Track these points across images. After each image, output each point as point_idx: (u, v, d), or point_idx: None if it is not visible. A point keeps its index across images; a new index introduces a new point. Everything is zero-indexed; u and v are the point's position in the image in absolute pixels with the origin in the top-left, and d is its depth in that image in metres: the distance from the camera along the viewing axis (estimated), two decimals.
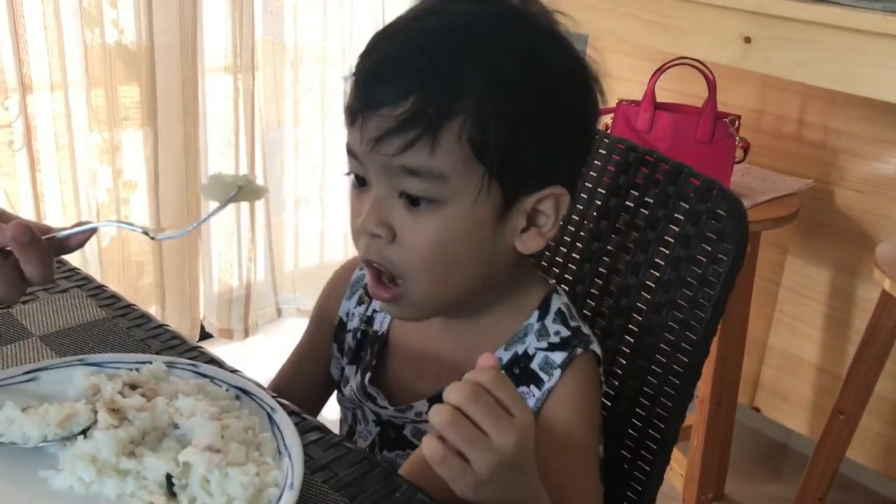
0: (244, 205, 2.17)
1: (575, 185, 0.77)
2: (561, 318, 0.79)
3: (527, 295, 0.80)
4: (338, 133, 2.30)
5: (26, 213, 1.88)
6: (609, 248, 0.95)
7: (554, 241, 0.99)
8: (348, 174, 0.74)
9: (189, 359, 0.72)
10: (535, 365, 0.77)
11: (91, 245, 2.00)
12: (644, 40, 1.52)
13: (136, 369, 0.68)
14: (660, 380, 0.90)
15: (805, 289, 1.95)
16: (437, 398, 0.76)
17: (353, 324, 0.88)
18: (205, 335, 2.30)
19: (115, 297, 0.87)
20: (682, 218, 0.90)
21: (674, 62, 1.63)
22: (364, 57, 0.71)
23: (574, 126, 0.74)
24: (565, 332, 0.78)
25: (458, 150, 0.67)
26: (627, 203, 0.94)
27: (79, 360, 0.69)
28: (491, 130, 0.67)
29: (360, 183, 0.73)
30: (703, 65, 1.62)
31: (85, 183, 1.94)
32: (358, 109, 0.69)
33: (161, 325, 0.82)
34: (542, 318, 0.79)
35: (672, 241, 0.90)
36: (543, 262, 1.02)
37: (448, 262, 0.71)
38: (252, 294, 2.29)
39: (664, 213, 0.91)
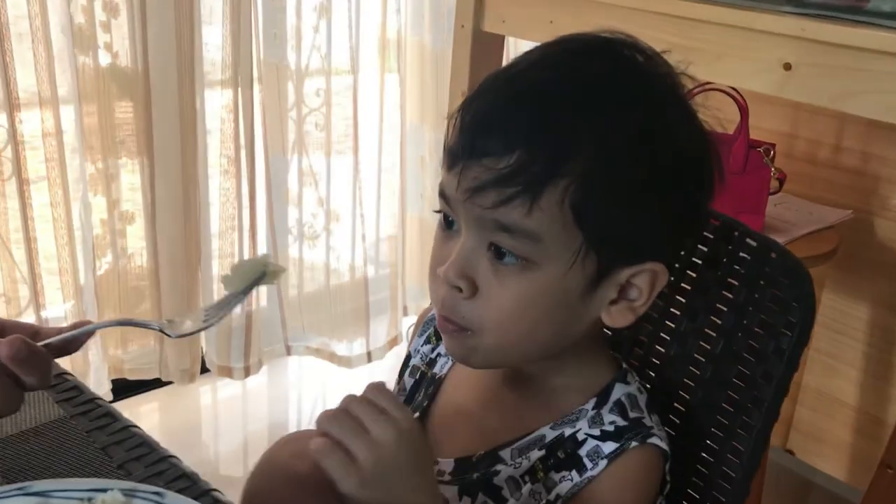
0: (245, 225, 2.06)
1: (675, 263, 0.71)
2: (619, 408, 0.72)
3: (592, 378, 0.74)
4: (343, 160, 2.21)
5: (16, 242, 1.78)
6: (652, 314, 0.84)
7: None
8: (438, 212, 0.70)
9: (159, 472, 0.61)
10: (583, 451, 0.70)
11: (86, 275, 1.91)
12: (674, 65, 1.41)
13: (89, 500, 0.57)
14: (711, 469, 0.79)
15: (843, 326, 1.83)
16: (463, 461, 0.72)
17: (415, 360, 0.84)
18: (206, 370, 2.19)
19: (77, 390, 0.76)
20: (735, 283, 0.79)
21: (702, 87, 1.52)
22: (472, 100, 0.66)
23: (686, 202, 0.68)
24: (621, 422, 0.71)
25: (557, 214, 0.63)
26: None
27: (18, 490, 0.57)
28: (597, 198, 0.62)
29: (448, 225, 0.69)
30: (735, 89, 1.51)
31: (79, 213, 1.84)
32: (458, 155, 0.64)
33: (128, 427, 0.72)
34: (598, 406, 0.72)
35: (724, 309, 0.80)
36: None
37: (525, 325, 0.67)
38: (253, 325, 2.17)
39: (714, 276, 0.81)
